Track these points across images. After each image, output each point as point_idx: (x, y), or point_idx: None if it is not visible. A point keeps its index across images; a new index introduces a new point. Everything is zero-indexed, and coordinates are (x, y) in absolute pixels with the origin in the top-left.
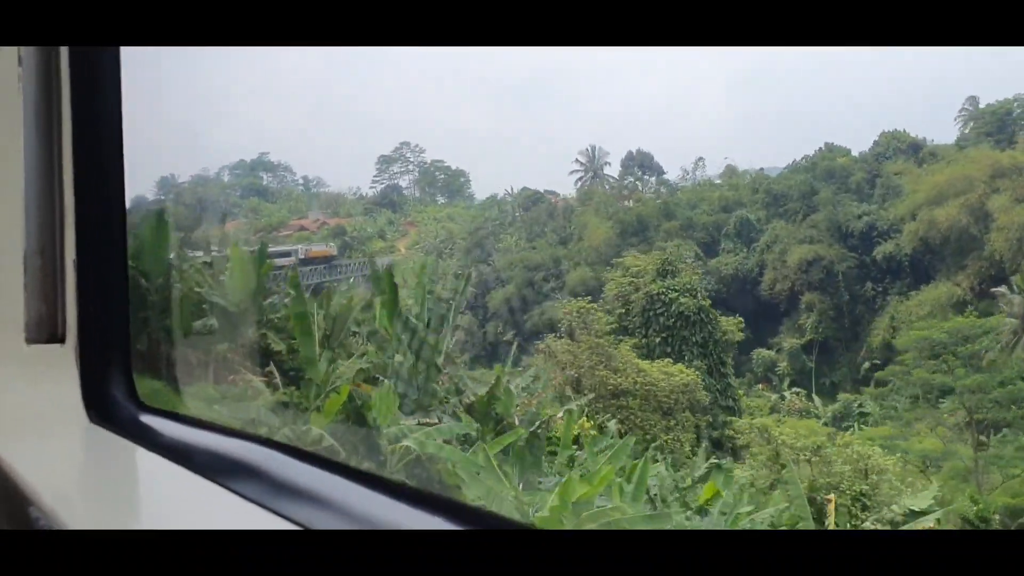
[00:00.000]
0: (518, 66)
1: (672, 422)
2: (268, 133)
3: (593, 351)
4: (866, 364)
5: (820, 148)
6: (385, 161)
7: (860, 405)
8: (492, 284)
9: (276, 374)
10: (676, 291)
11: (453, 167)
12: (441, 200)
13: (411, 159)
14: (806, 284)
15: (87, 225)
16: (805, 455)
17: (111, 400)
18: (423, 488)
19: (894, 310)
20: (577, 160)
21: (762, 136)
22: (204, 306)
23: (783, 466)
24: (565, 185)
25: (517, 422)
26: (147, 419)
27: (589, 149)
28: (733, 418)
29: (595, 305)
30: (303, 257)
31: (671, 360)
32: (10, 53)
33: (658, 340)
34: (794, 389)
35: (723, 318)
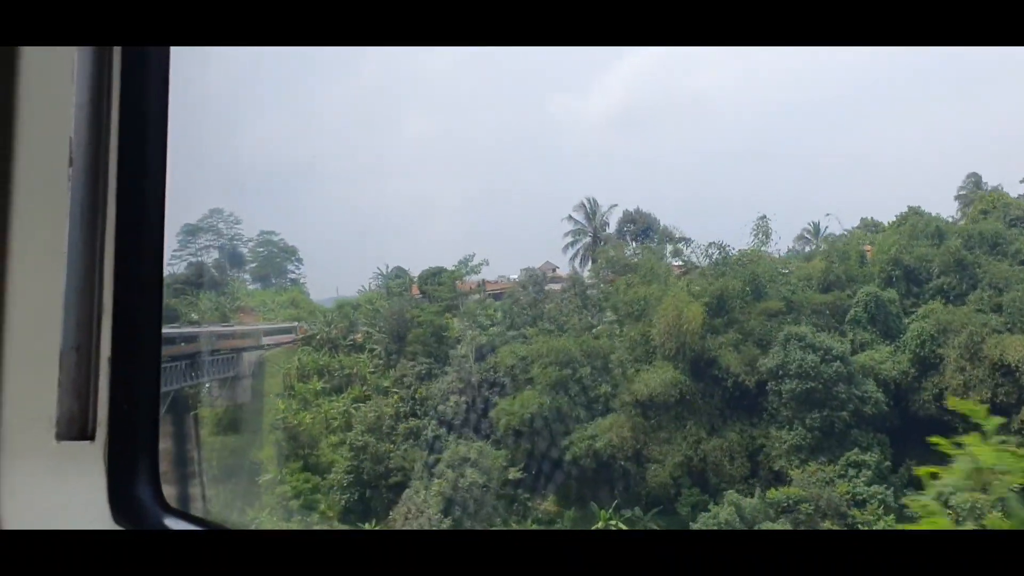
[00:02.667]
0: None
1: None
2: None
3: None
4: None
5: (903, 212)
6: (191, 231)
7: None
8: (482, 389)
9: None
10: None
11: (288, 242)
12: (250, 281)
13: (224, 230)
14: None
15: (124, 323)
16: None
17: (136, 500)
18: None
19: None
20: (571, 218)
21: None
22: None
23: None
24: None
25: None
26: (171, 522)
27: (587, 203)
28: None
29: None
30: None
31: None
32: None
33: None
34: None
35: None
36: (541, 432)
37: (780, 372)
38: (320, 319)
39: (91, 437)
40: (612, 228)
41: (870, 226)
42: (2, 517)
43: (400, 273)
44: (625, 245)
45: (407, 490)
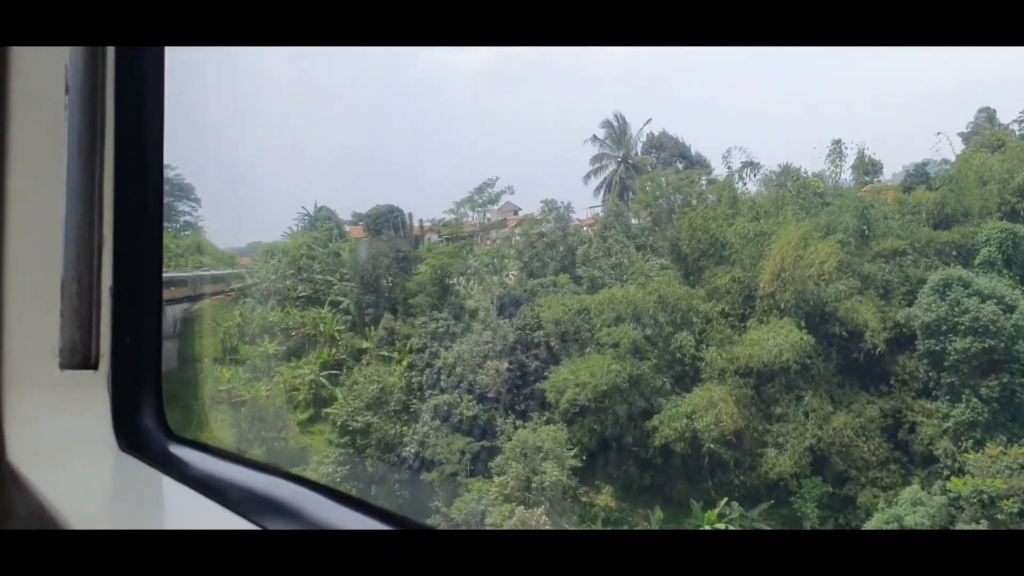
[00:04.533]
0: None
1: None
2: None
3: None
4: None
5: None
6: None
7: None
8: (518, 351)
9: None
10: None
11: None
12: None
13: None
14: None
15: (125, 253)
16: None
17: (142, 429)
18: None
19: None
20: (594, 139)
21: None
22: None
23: None
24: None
25: None
26: (176, 449)
27: (614, 121)
28: None
29: None
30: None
31: None
32: (55, 90)
33: None
34: None
35: None
36: (617, 409)
37: (942, 327)
38: (263, 266)
39: (94, 366)
40: (637, 153)
41: (869, 166)
42: (7, 446)
43: (328, 214)
44: (674, 171)
45: (460, 497)
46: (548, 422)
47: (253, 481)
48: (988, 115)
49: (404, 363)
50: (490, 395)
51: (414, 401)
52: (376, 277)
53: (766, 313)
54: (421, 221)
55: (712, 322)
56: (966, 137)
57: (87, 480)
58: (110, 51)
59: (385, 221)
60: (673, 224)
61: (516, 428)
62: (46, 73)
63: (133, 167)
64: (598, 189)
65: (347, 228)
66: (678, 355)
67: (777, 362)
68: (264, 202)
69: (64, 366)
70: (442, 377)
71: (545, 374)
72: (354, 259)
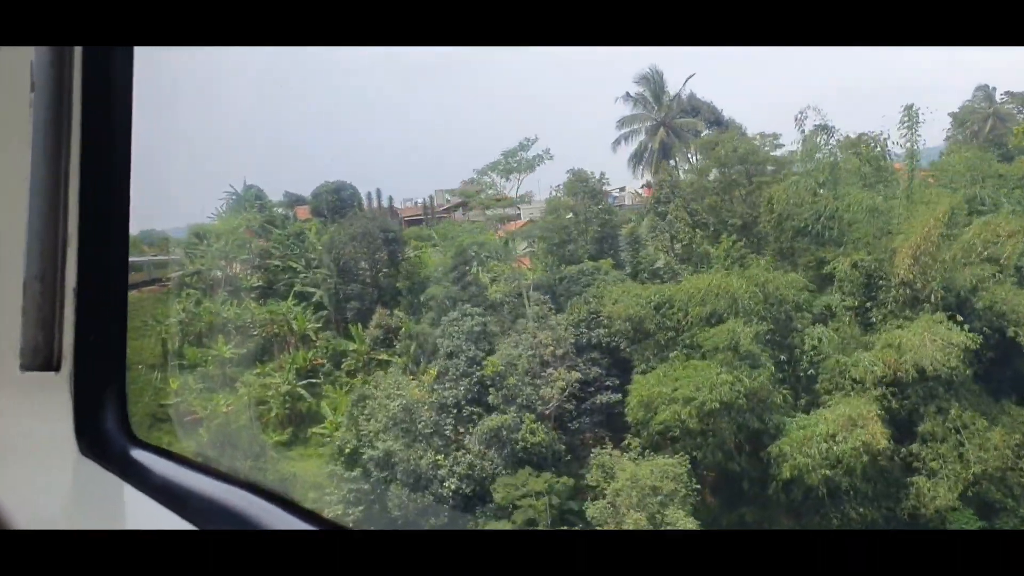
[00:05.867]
0: None
1: None
2: None
3: None
4: None
5: None
6: None
7: None
8: (573, 355)
9: None
10: None
11: None
12: None
13: None
14: None
15: (90, 253)
16: None
17: (103, 432)
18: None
19: None
20: (627, 96)
21: None
22: None
23: None
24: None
25: None
26: (138, 454)
27: (651, 76)
28: None
29: None
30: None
31: None
32: (22, 77)
33: None
34: None
35: None
36: (726, 431)
37: None
38: (207, 250)
39: (56, 368)
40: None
41: (854, 145)
42: None
43: (260, 194)
44: (739, 135)
45: None
46: (642, 448)
47: (215, 491)
48: (986, 93)
49: (431, 372)
50: (548, 412)
51: (449, 421)
52: (357, 262)
53: (905, 306)
54: (391, 199)
55: (834, 318)
56: (960, 117)
57: (44, 483)
58: (77, 49)
59: (340, 199)
60: (743, 198)
61: (612, 458)
62: (11, 69)
63: (99, 166)
64: (632, 158)
65: (279, 209)
66: (784, 359)
67: (944, 368)
68: (159, 186)
69: (25, 367)
70: (490, 390)
71: (607, 383)
72: (330, 243)
